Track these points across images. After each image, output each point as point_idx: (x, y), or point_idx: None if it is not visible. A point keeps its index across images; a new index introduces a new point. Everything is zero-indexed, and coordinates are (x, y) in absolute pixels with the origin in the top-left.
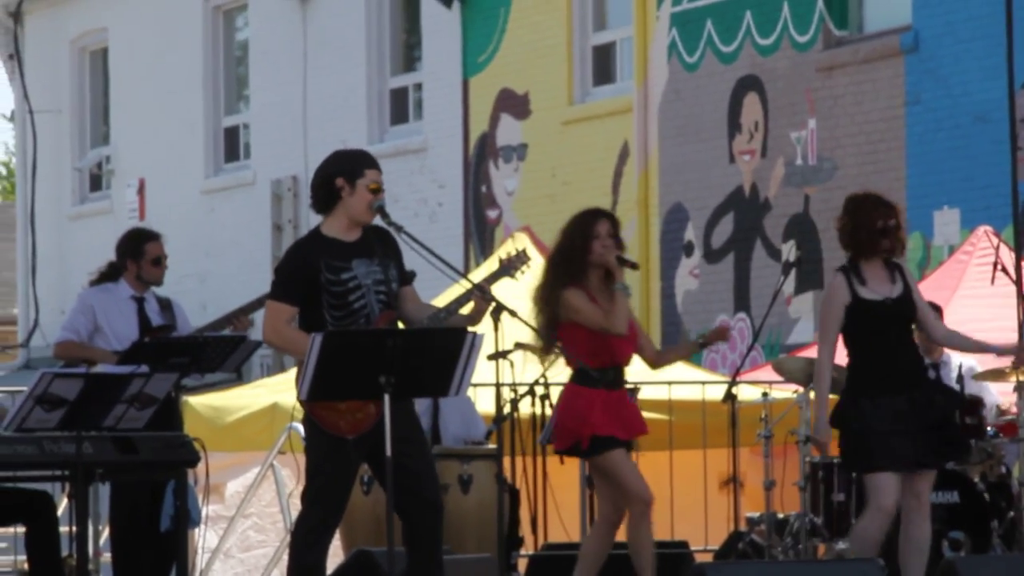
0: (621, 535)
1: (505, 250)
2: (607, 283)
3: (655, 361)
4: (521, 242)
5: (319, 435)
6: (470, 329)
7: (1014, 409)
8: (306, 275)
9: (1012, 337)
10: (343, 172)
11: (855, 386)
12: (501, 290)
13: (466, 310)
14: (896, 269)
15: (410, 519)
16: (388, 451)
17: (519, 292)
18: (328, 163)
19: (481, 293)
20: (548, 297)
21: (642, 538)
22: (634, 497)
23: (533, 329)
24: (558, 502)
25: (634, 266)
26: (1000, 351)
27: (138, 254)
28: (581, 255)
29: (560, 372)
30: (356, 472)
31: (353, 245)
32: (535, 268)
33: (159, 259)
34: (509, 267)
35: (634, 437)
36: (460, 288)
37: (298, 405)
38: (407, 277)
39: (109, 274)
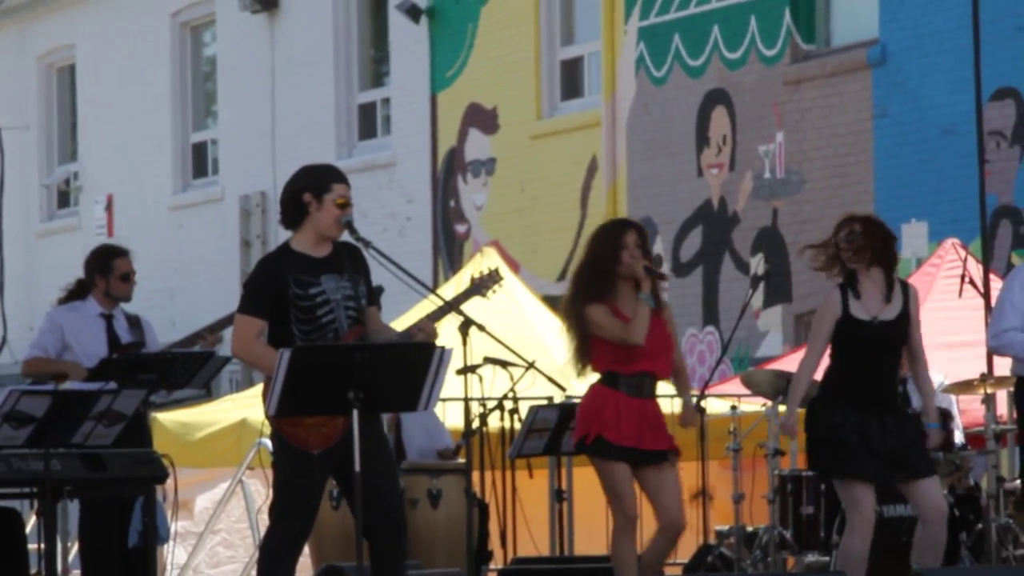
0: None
1: (476, 267)
2: (637, 293)
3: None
4: (490, 257)
5: (286, 450)
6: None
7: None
8: (275, 289)
9: (980, 350)
10: (310, 187)
11: (830, 396)
12: (469, 304)
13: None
14: (901, 289)
15: (373, 536)
16: (357, 466)
17: (487, 307)
18: (295, 178)
19: (450, 311)
20: (575, 313)
21: (622, 553)
22: (616, 511)
23: (502, 344)
24: (527, 516)
25: (662, 277)
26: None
27: (106, 270)
28: (610, 267)
29: (529, 387)
30: (323, 486)
31: (322, 260)
32: (506, 287)
33: (128, 275)
34: (480, 286)
35: (652, 448)
36: (429, 303)
37: (266, 420)
38: (374, 297)
39: (77, 291)
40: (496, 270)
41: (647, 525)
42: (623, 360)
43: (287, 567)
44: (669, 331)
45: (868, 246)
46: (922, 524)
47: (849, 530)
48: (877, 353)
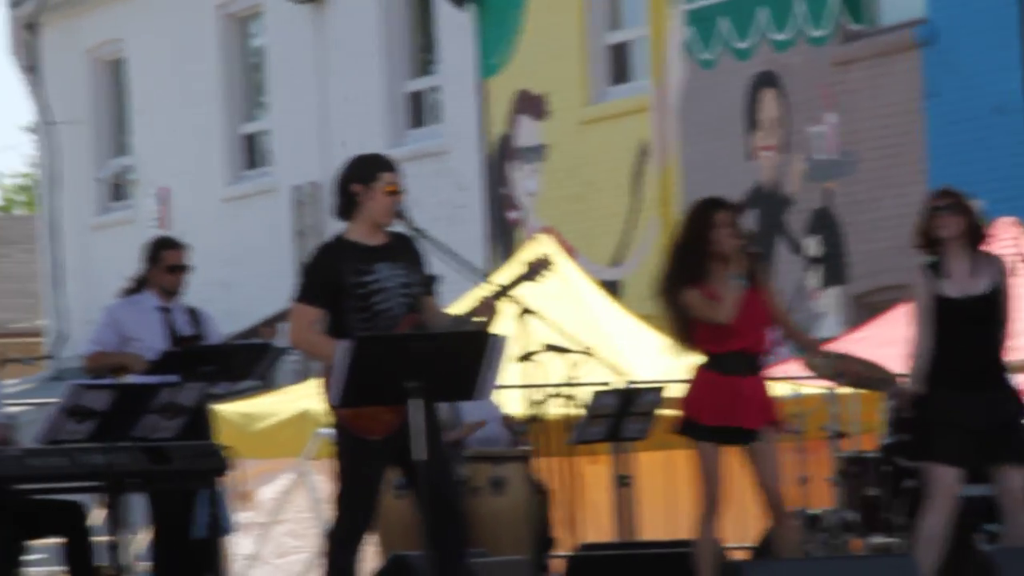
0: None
1: (530, 254)
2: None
3: (787, 335)
4: (543, 243)
5: (346, 438)
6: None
7: None
8: (331, 278)
9: None
10: (358, 178)
11: (931, 377)
12: (527, 292)
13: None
14: (990, 264)
15: (432, 524)
16: (417, 455)
17: (544, 293)
18: (344, 170)
19: (502, 296)
20: (670, 296)
21: (701, 537)
22: (700, 493)
23: (560, 330)
24: (590, 502)
25: (756, 255)
26: None
27: (155, 261)
28: (702, 247)
29: (588, 373)
30: (384, 475)
31: (377, 249)
32: (559, 273)
33: (175, 267)
34: (533, 272)
35: (751, 427)
36: (483, 290)
37: (328, 410)
38: (430, 286)
39: (139, 283)
40: (548, 255)
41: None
42: (717, 339)
43: (353, 556)
44: (767, 306)
45: (961, 220)
46: (1007, 512)
47: (930, 511)
48: (968, 329)
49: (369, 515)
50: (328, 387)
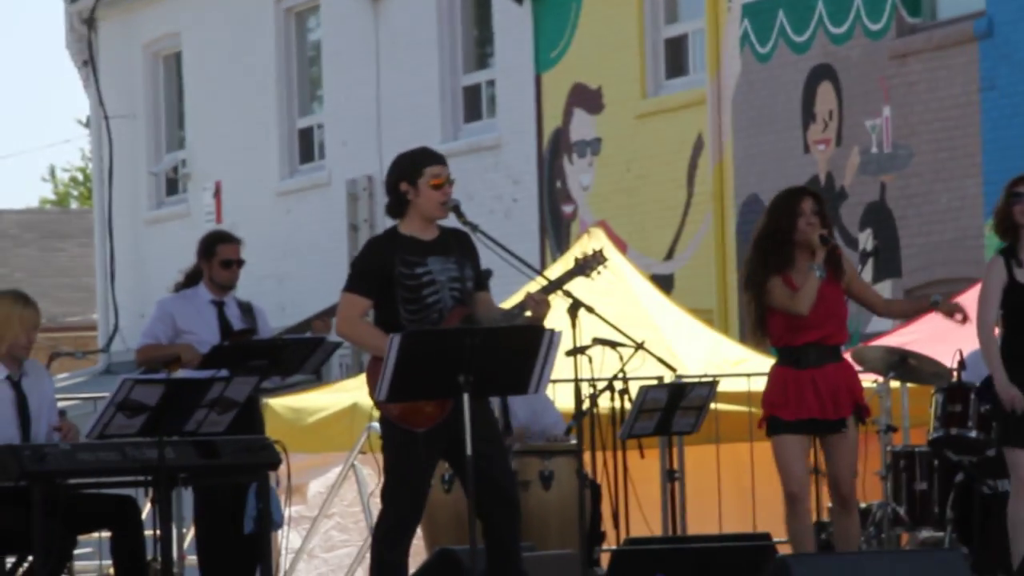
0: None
1: (581, 249)
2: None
3: (883, 310)
4: (597, 237)
5: (392, 431)
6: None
7: None
8: (381, 269)
9: None
10: (404, 175)
11: (1009, 366)
12: (576, 285)
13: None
14: None
15: (488, 517)
16: (469, 450)
17: (596, 288)
18: (390, 169)
19: (553, 291)
20: (755, 285)
21: (791, 529)
22: (783, 485)
23: (610, 325)
24: (639, 496)
25: (835, 248)
26: None
27: (209, 256)
28: (787, 235)
29: (639, 367)
30: (432, 467)
31: (430, 243)
32: (611, 267)
33: (229, 262)
34: (585, 267)
35: (828, 417)
36: (536, 285)
37: (374, 404)
38: (483, 281)
39: (192, 277)
40: (601, 251)
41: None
42: (791, 332)
43: (400, 550)
44: (843, 297)
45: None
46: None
47: (1014, 496)
48: None
49: (417, 509)
50: (374, 379)
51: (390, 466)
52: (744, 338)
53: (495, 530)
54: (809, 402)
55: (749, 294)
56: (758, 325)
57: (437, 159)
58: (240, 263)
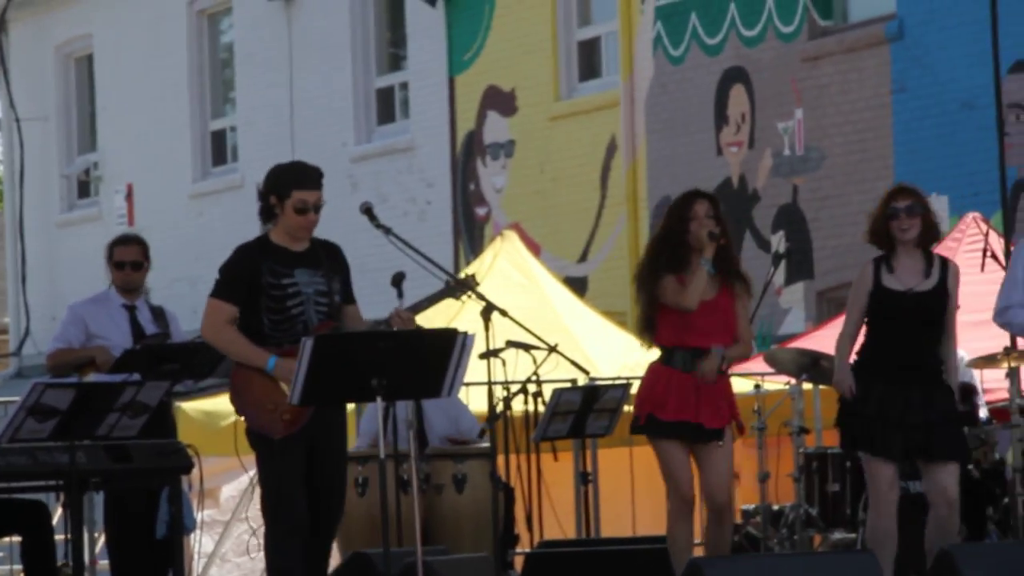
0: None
1: (496, 250)
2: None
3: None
4: (510, 240)
5: (254, 440)
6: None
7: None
8: (249, 277)
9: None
10: (274, 190)
11: (860, 370)
12: (492, 287)
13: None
14: (940, 265)
15: (312, 526)
16: (382, 453)
17: (509, 290)
18: (266, 178)
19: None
20: (644, 284)
21: (675, 535)
22: (670, 492)
23: (523, 327)
24: (552, 499)
25: (714, 237)
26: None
27: (108, 258)
28: (680, 238)
29: (552, 370)
30: (297, 474)
31: (299, 254)
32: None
33: (121, 263)
34: (455, 290)
35: (714, 425)
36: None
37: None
38: (351, 296)
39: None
40: (473, 276)
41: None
42: (680, 332)
43: (291, 556)
44: (734, 305)
45: (921, 220)
46: (932, 509)
47: (872, 508)
48: (909, 325)
49: (292, 514)
50: (236, 386)
51: (259, 476)
52: None
53: (313, 540)
54: (691, 406)
55: (641, 292)
56: (647, 324)
57: (309, 183)
58: (136, 265)
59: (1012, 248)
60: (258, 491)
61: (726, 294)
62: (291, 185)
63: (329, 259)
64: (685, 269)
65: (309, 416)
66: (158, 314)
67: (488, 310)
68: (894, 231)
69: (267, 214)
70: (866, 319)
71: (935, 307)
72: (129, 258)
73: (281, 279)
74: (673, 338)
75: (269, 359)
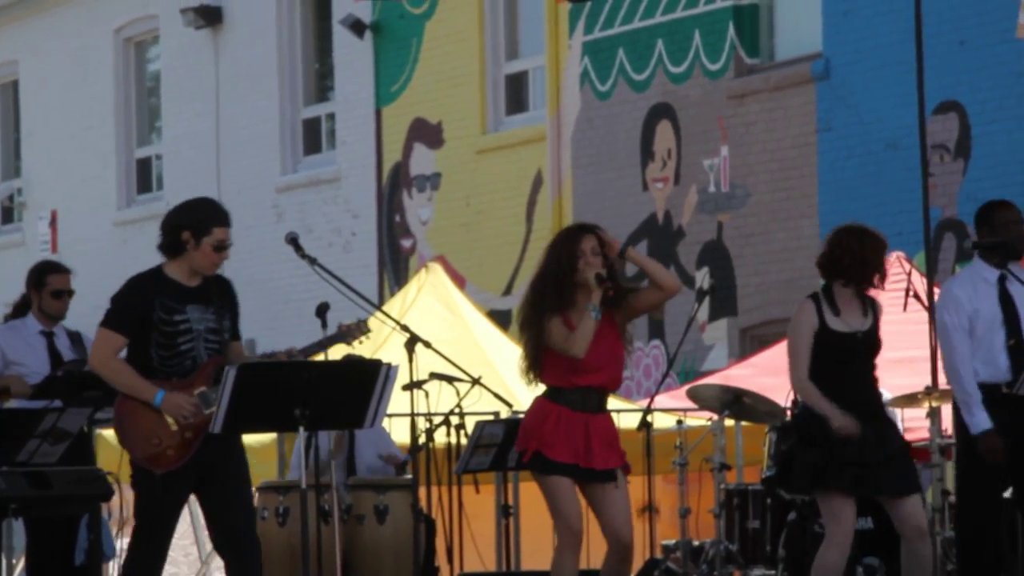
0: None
1: (421, 282)
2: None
3: (655, 297)
4: (435, 272)
5: (136, 473)
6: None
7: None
8: (140, 310)
9: (924, 364)
10: (190, 226)
11: (808, 411)
12: (415, 319)
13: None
14: (869, 303)
15: (228, 554)
16: (303, 482)
17: (433, 323)
18: (178, 212)
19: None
20: (529, 323)
21: (562, 571)
22: (559, 526)
23: (447, 360)
24: (474, 531)
25: (601, 280)
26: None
27: (40, 286)
28: (566, 275)
29: (475, 402)
30: (174, 511)
31: (192, 290)
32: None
33: (59, 292)
34: (347, 335)
35: (596, 467)
36: (375, 320)
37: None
38: (236, 332)
39: (20, 308)
40: (365, 321)
41: (595, 540)
42: (569, 373)
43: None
44: (618, 339)
45: (870, 260)
46: (905, 543)
47: (827, 544)
48: (858, 365)
49: (156, 549)
50: (120, 417)
51: (136, 507)
52: None
53: (232, 569)
54: (579, 448)
55: (526, 332)
56: (533, 364)
57: (226, 221)
58: (71, 293)
59: (939, 288)
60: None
61: (609, 329)
62: (211, 222)
63: (220, 295)
64: (571, 308)
65: (194, 451)
66: (76, 340)
67: (412, 342)
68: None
69: (172, 248)
70: (813, 361)
71: (875, 345)
72: (67, 286)
73: (173, 315)
74: (561, 379)
75: (157, 393)
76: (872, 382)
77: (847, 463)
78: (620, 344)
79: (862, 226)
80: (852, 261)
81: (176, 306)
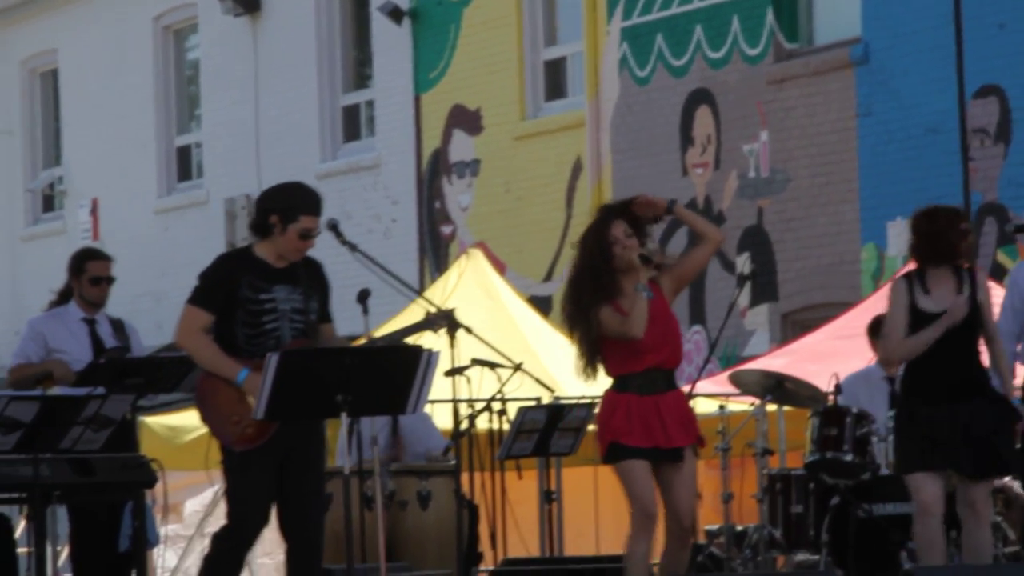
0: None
1: (461, 269)
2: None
3: (702, 255)
4: (476, 258)
5: (223, 450)
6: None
7: None
8: (227, 288)
9: None
10: (279, 210)
11: (907, 390)
12: (457, 304)
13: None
14: (967, 278)
15: (292, 544)
16: (347, 470)
17: (474, 309)
18: (270, 195)
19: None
20: (580, 318)
21: (634, 553)
22: (634, 509)
23: (489, 345)
24: (516, 517)
25: (646, 260)
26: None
27: (79, 272)
28: (604, 265)
29: (517, 388)
30: (257, 486)
31: (280, 271)
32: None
33: (98, 279)
34: (432, 322)
35: (674, 445)
36: (415, 305)
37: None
38: (327, 315)
39: (64, 295)
40: (452, 311)
41: (612, 526)
42: (630, 358)
43: (227, 569)
44: (668, 315)
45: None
46: (964, 524)
47: (917, 522)
48: (951, 342)
49: (246, 525)
50: (203, 393)
51: (225, 483)
52: None
53: (293, 555)
54: (654, 429)
55: (577, 330)
56: (590, 361)
57: (316, 210)
58: (110, 280)
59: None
60: (221, 506)
61: (661, 307)
62: (300, 210)
63: (309, 277)
64: (618, 295)
65: (275, 430)
66: (118, 327)
67: (453, 328)
68: (963, 252)
69: (261, 229)
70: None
71: (972, 322)
72: (106, 273)
73: (259, 294)
74: (623, 366)
75: (240, 371)
76: (970, 358)
77: (926, 442)
78: (674, 319)
79: (933, 206)
80: (919, 241)
81: (263, 285)
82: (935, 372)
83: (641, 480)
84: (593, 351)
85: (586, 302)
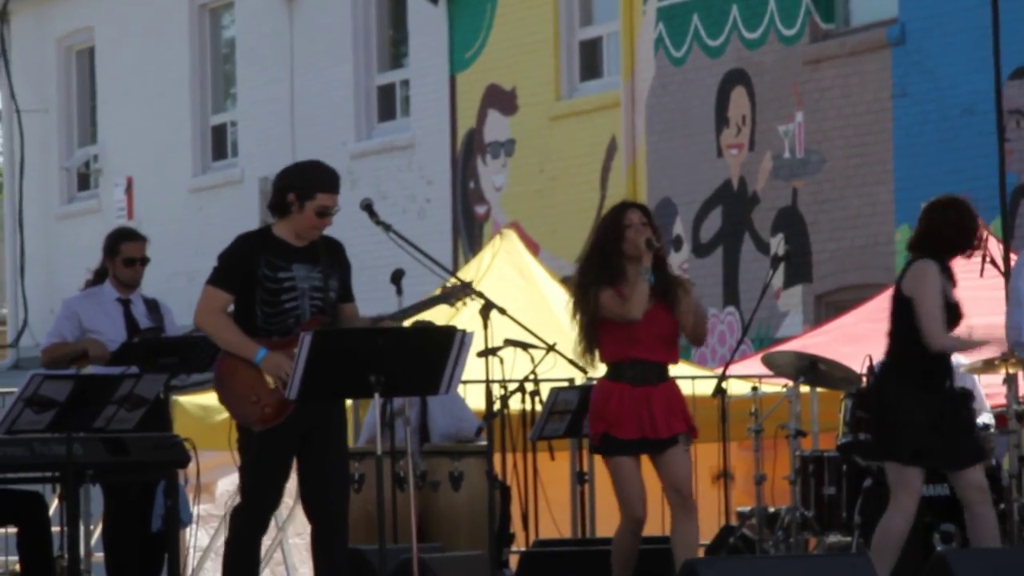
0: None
1: (495, 249)
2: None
3: (693, 337)
4: (509, 238)
5: (238, 429)
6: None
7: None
8: (246, 267)
9: (999, 331)
10: (296, 188)
11: (904, 378)
12: (489, 285)
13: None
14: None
15: (315, 523)
16: (379, 450)
17: (507, 289)
18: (286, 173)
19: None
20: (582, 298)
21: (620, 549)
22: (621, 510)
23: (522, 326)
24: (549, 498)
25: (651, 245)
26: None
27: (113, 253)
28: (615, 248)
29: (550, 369)
30: (276, 466)
31: (299, 250)
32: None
33: (132, 260)
34: (449, 295)
35: (664, 436)
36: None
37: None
38: (349, 294)
39: (100, 274)
40: (469, 283)
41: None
42: (626, 345)
43: (245, 548)
44: (674, 318)
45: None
46: (967, 508)
47: (894, 510)
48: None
49: (261, 503)
50: (222, 373)
51: (240, 466)
52: None
53: (319, 537)
54: (644, 421)
55: (579, 309)
56: (589, 342)
57: (333, 187)
58: (144, 261)
59: (1015, 254)
60: None
61: (662, 308)
62: (316, 187)
63: (329, 255)
64: (621, 280)
65: (292, 410)
66: (152, 307)
67: (487, 308)
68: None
69: (279, 208)
70: (910, 327)
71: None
72: (140, 254)
73: (278, 272)
74: (619, 352)
75: (259, 351)
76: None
77: (925, 432)
78: (675, 324)
79: (946, 197)
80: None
81: (281, 263)
82: (934, 362)
83: (629, 481)
84: (593, 334)
85: (589, 282)
